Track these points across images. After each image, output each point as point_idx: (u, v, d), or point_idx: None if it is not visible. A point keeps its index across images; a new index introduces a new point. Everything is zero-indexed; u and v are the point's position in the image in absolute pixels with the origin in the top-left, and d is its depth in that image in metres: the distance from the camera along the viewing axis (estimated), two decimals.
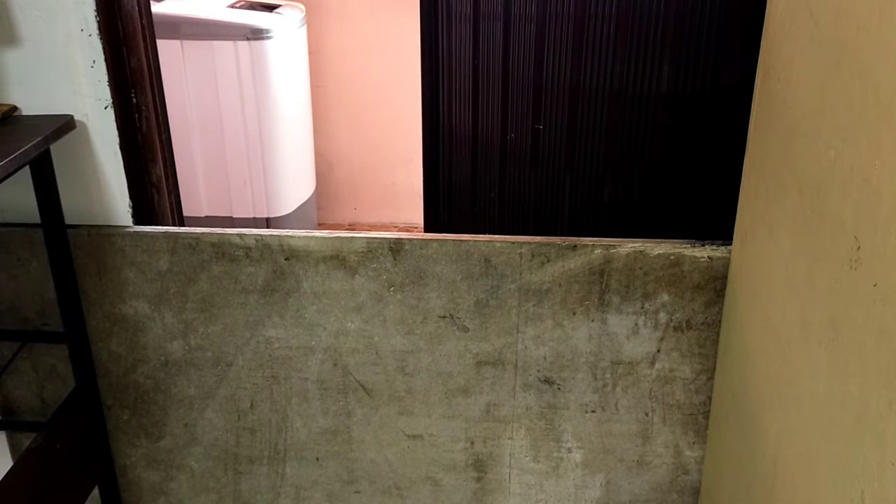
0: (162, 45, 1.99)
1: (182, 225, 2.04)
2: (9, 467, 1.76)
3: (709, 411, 1.93)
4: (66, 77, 1.77)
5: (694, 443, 1.97)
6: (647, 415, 1.95)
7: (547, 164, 2.02)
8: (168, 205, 2.00)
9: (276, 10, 3.11)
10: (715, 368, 1.88)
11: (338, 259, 1.86)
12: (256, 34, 2.94)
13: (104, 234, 1.88)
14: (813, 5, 1.29)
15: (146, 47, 1.89)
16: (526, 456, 2.03)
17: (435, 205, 2.11)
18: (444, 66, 1.99)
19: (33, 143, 1.64)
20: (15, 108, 1.78)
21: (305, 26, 3.25)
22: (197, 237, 1.87)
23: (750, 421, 1.57)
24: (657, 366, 1.90)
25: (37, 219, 1.80)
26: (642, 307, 1.85)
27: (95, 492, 2.08)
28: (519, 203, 2.07)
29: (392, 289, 1.87)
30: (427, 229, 2.12)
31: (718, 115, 1.90)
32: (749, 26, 1.67)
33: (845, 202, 1.10)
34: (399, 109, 3.36)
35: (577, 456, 2.02)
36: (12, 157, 1.57)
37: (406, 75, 3.11)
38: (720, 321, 1.84)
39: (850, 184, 1.09)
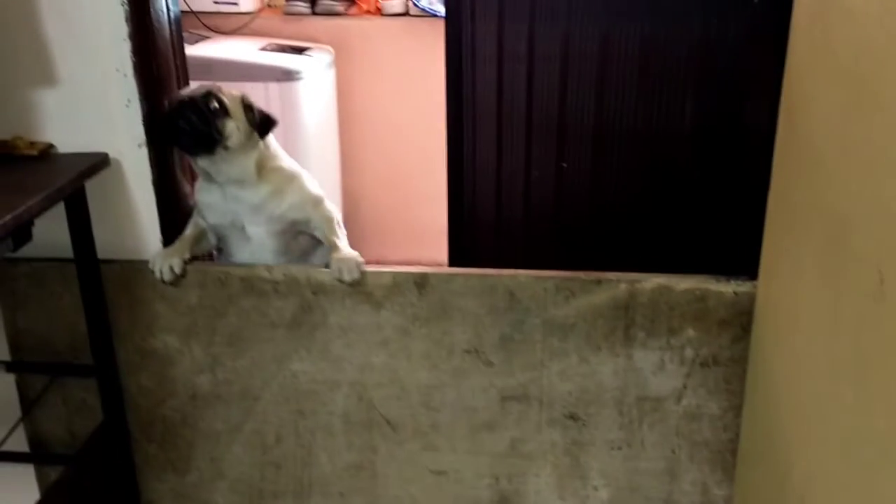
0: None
1: (211, 260, 2.07)
2: (36, 500, 1.78)
3: (736, 449, 1.91)
4: (102, 116, 1.82)
5: (721, 481, 1.94)
6: (673, 452, 1.93)
7: (571, 200, 2.03)
8: None
9: (306, 53, 3.18)
10: (742, 405, 1.86)
11: (364, 293, 1.87)
12: (287, 76, 3.00)
13: (136, 268, 1.92)
14: (833, 42, 1.30)
15: (180, 88, 1.94)
16: (552, 493, 2.01)
17: (459, 240, 2.12)
18: (468, 106, 2.02)
19: (68, 179, 1.69)
20: (51, 146, 1.83)
21: (334, 68, 3.31)
22: (226, 271, 1.90)
23: (777, 458, 1.55)
24: (684, 402, 1.89)
25: (70, 253, 1.84)
26: (668, 342, 1.84)
27: None
28: (543, 238, 2.08)
29: (417, 323, 1.88)
30: (451, 264, 2.13)
31: (742, 152, 1.91)
32: (771, 63, 1.69)
33: (869, 236, 1.11)
34: (424, 149, 3.39)
35: (604, 494, 2.00)
36: (47, 192, 1.61)
37: (431, 115, 3.14)
38: (747, 357, 1.83)
39: (874, 218, 1.09)
